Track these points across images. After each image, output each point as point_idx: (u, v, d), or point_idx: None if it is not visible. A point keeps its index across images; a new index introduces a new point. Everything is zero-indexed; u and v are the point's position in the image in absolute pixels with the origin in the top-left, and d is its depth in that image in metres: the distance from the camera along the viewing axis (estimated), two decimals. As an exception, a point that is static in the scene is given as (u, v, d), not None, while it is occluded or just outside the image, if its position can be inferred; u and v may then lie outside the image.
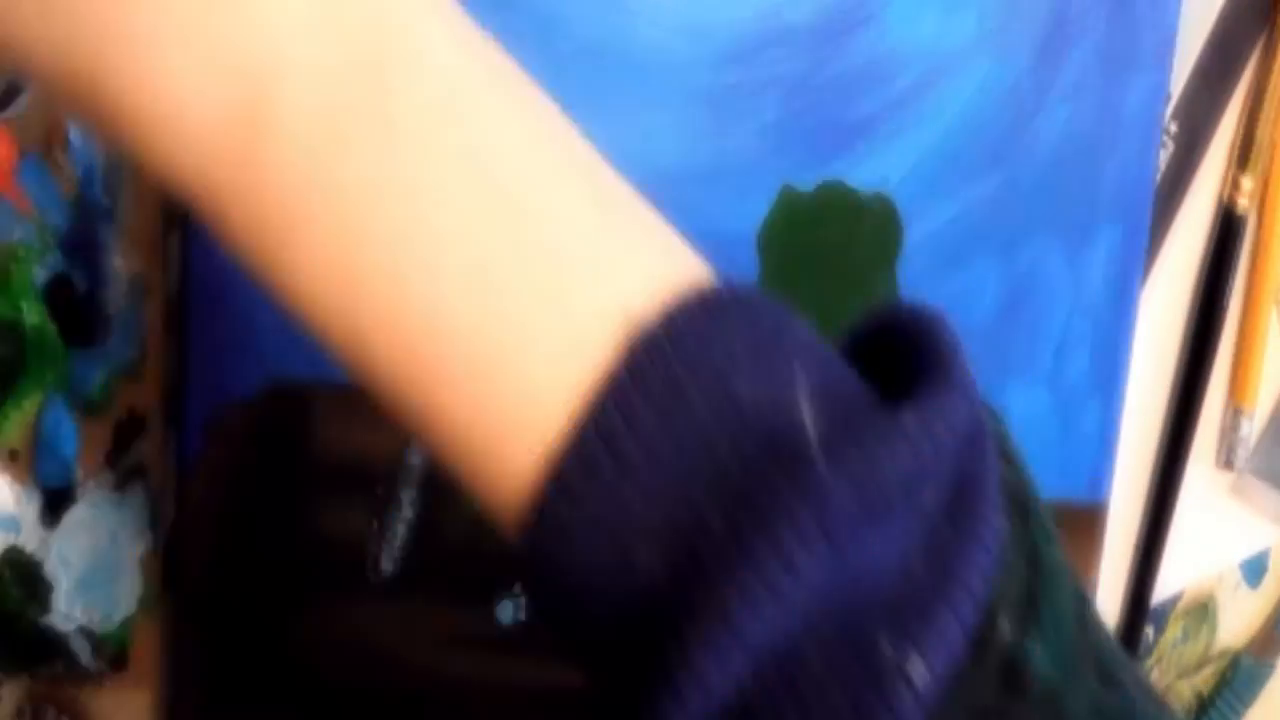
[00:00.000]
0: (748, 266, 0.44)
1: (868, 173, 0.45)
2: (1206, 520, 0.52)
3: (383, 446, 0.44)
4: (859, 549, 0.22)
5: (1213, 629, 0.54)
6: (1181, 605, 0.53)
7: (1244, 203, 0.49)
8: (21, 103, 0.40)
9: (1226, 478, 0.52)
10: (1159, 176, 0.48)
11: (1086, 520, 0.48)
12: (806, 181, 0.44)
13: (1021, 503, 0.25)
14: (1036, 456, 0.46)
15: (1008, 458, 0.25)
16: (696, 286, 0.24)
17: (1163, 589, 0.52)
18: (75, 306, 0.42)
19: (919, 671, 0.21)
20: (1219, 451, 0.52)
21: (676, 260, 0.25)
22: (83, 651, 0.44)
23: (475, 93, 0.24)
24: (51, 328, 0.42)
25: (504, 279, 0.23)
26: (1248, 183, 0.49)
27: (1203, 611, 0.53)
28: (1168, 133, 0.48)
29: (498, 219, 0.23)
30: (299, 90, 0.23)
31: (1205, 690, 0.55)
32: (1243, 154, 0.49)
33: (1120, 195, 0.46)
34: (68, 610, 0.43)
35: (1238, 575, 0.53)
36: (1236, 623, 0.54)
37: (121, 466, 0.43)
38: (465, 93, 0.23)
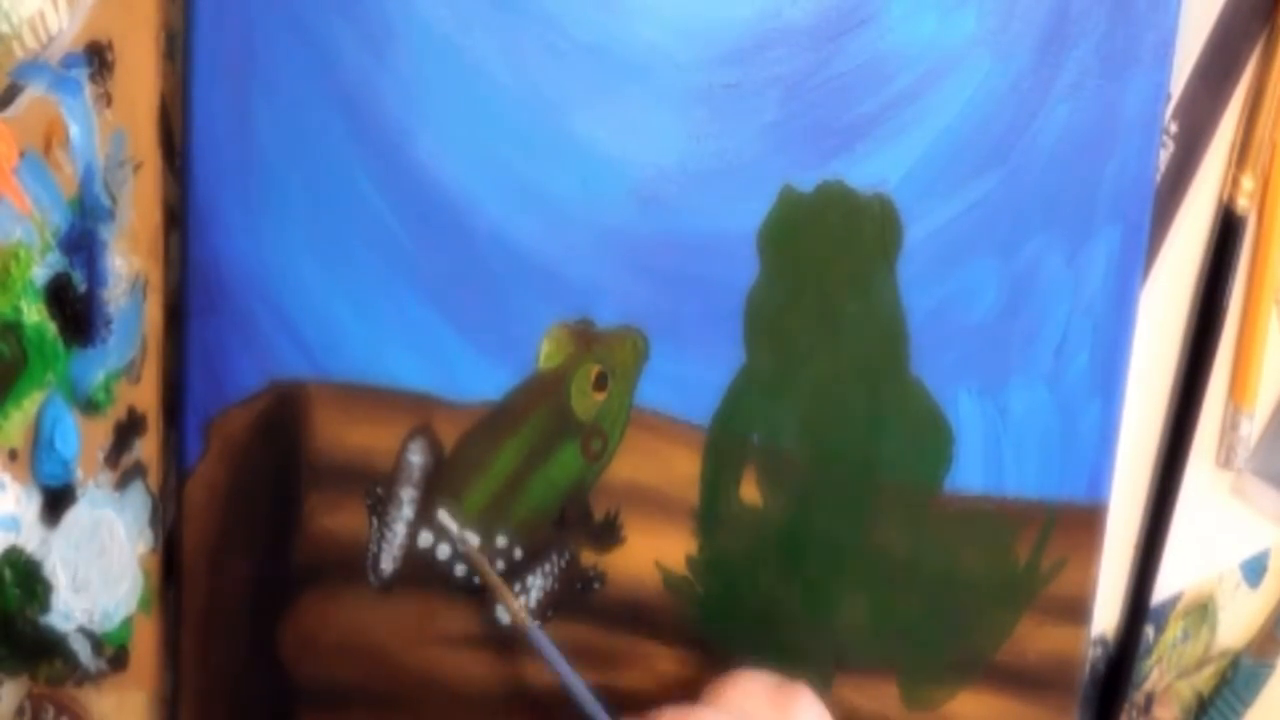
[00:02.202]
0: (748, 266, 0.44)
1: (868, 173, 0.45)
2: (1206, 520, 0.52)
3: (383, 446, 0.44)
4: None
5: (1213, 629, 0.54)
6: (1181, 605, 0.53)
7: (1244, 202, 0.49)
8: (21, 102, 0.40)
9: (1226, 478, 0.52)
10: (1159, 176, 0.48)
11: (1086, 520, 0.48)
12: (806, 181, 0.44)
13: None
14: (1036, 456, 0.47)
15: None
16: None
17: (1163, 589, 0.52)
18: (75, 306, 0.42)
19: None
20: (1219, 451, 0.52)
21: None
22: (83, 651, 0.44)
23: None
24: (51, 328, 0.42)
25: None
26: (1248, 182, 0.49)
27: (1203, 611, 0.53)
28: (1168, 133, 0.48)
29: None
30: None
31: (1205, 690, 0.55)
32: (1243, 154, 0.49)
33: (1120, 195, 0.46)
34: (68, 610, 0.43)
35: (1238, 575, 0.53)
36: (1236, 623, 0.54)
37: (121, 466, 0.43)
38: None
